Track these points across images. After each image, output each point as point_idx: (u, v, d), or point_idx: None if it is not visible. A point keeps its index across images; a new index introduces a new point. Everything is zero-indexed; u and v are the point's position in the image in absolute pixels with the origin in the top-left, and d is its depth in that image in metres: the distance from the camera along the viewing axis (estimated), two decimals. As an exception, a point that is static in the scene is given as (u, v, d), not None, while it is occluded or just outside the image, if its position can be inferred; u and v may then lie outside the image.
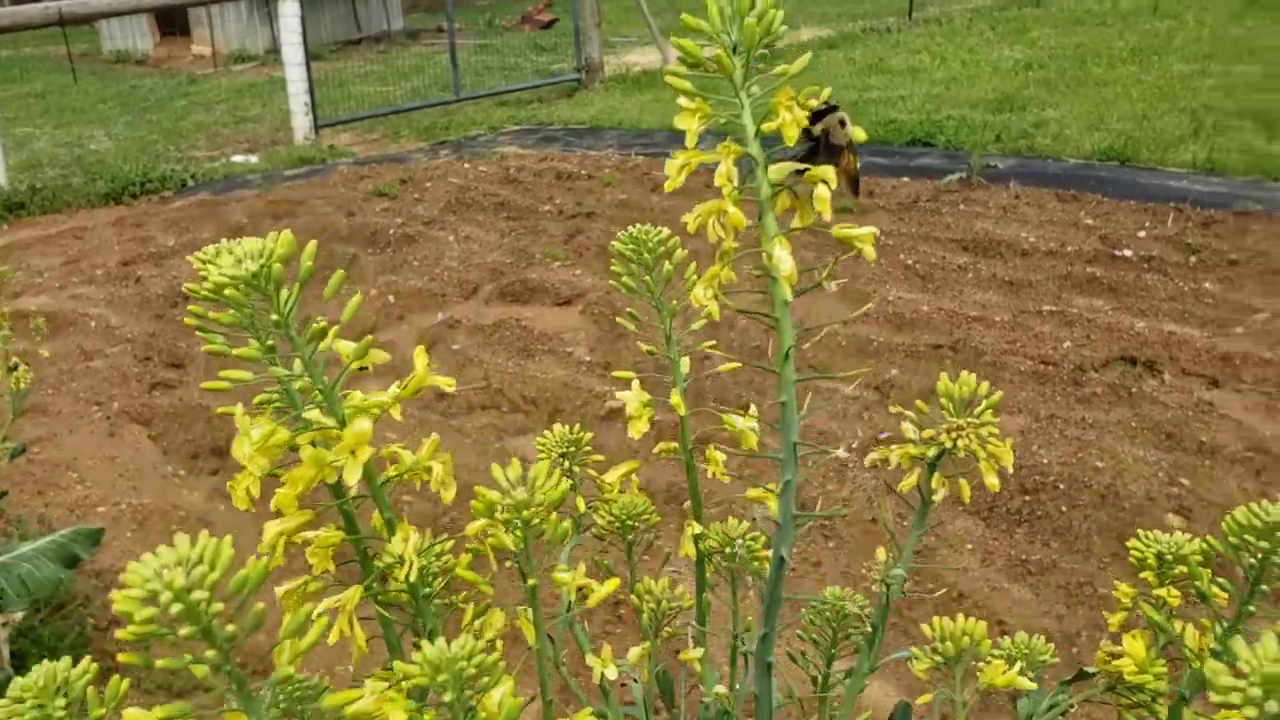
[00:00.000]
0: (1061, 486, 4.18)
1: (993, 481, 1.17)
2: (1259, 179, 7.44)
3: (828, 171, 1.03)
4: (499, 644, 1.09)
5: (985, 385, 1.18)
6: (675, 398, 1.26)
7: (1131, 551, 1.20)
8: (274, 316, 0.96)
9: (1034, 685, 1.18)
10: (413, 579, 1.06)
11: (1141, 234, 6.56)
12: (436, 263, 7.03)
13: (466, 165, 9.36)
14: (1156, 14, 14.10)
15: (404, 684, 0.90)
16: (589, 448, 1.35)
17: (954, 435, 1.15)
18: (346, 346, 1.02)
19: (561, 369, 5.49)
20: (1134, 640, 1.17)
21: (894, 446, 1.20)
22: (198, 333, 1.00)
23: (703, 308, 1.10)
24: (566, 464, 1.34)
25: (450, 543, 1.15)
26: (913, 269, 6.37)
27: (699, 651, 1.33)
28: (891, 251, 6.63)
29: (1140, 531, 1.23)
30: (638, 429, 1.24)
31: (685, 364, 1.21)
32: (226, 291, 0.95)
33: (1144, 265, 6.12)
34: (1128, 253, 6.27)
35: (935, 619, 1.20)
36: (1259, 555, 1.03)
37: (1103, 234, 6.59)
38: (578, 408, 5.06)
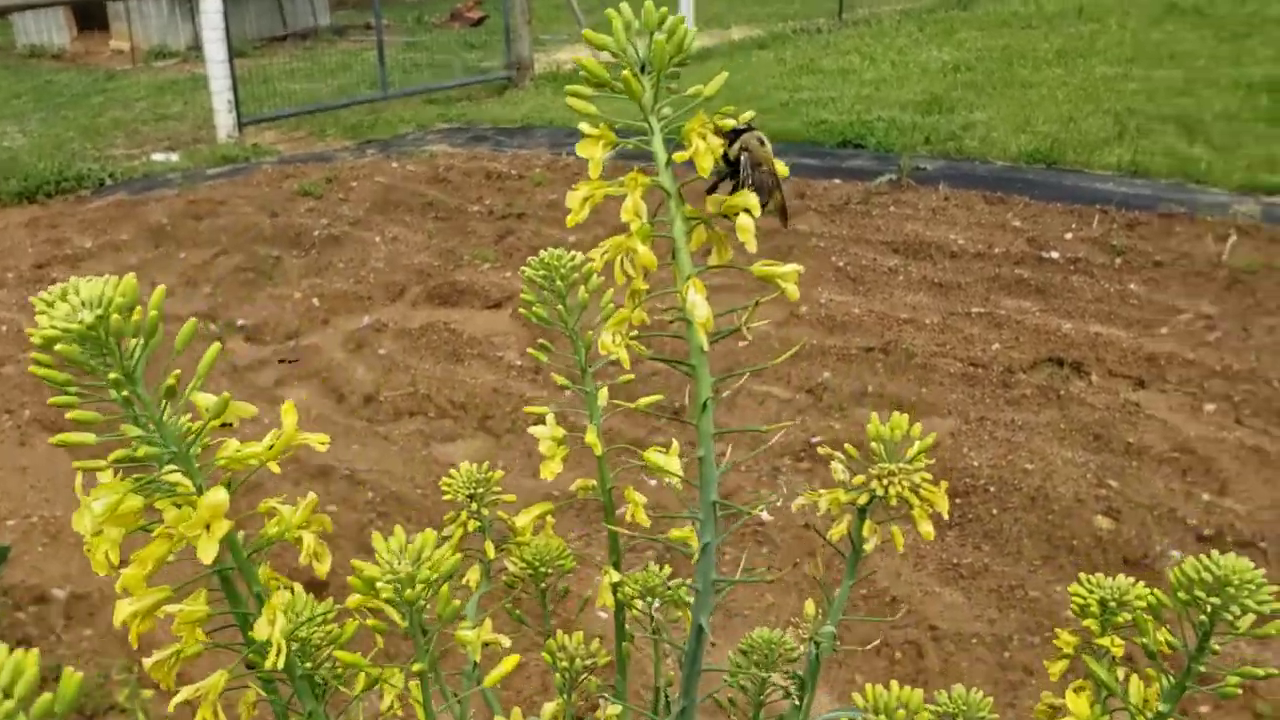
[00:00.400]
0: (992, 489, 4.19)
1: (927, 529, 1.11)
2: (1181, 182, 7.56)
3: (749, 199, 0.96)
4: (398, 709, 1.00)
5: (918, 427, 1.12)
6: (590, 436, 1.17)
7: (1073, 597, 1.15)
8: (113, 375, 0.87)
9: None
10: (280, 665, 0.95)
11: (1068, 236, 6.63)
12: (363, 264, 6.89)
13: (394, 164, 9.20)
14: (1080, 17, 14.31)
15: None
16: (499, 487, 1.26)
17: (885, 482, 1.09)
18: (206, 400, 0.91)
19: (491, 374, 5.40)
20: (1077, 697, 1.12)
21: (823, 491, 1.14)
22: (45, 384, 0.89)
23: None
24: (474, 506, 1.25)
25: (334, 611, 1.05)
26: (844, 271, 6.37)
27: (616, 709, 1.25)
28: (823, 254, 6.62)
29: (1082, 576, 1.18)
30: (550, 470, 1.15)
31: (604, 396, 1.10)
32: (58, 347, 0.85)
33: (1070, 267, 6.18)
34: (1055, 254, 6.33)
35: (868, 686, 1.14)
36: (1209, 610, 0.99)
37: (1030, 236, 6.65)
38: (508, 413, 4.98)
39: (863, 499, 1.14)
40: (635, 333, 1.01)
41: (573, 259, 1.14)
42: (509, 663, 1.09)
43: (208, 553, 0.89)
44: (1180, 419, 4.68)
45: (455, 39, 16.47)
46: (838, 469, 1.14)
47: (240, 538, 0.98)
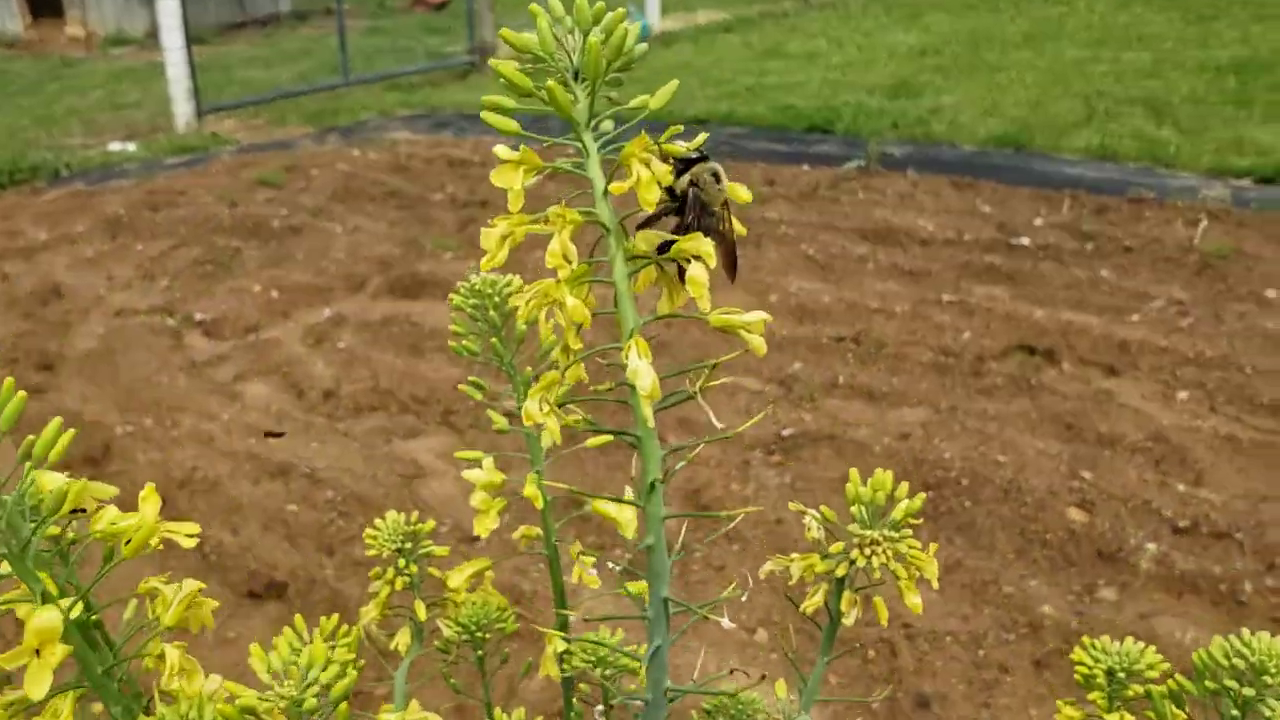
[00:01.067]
0: (965, 482, 4.12)
1: (914, 602, 0.99)
2: (1150, 165, 7.52)
3: (702, 244, 0.79)
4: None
5: (904, 487, 1.01)
6: (530, 488, 1.05)
7: (1077, 666, 1.05)
8: None
9: None
10: None
11: (1038, 221, 6.57)
12: (323, 255, 6.74)
13: (355, 152, 9.04)
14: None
15: None
16: (429, 541, 1.14)
17: (868, 552, 0.97)
18: (53, 480, 0.77)
19: (454, 367, 5.27)
20: None
21: (795, 556, 1.03)
22: None
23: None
24: (403, 563, 1.13)
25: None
26: (814, 259, 6.29)
27: None
28: (793, 241, 6.54)
29: (1085, 640, 1.07)
30: (484, 527, 1.03)
31: (548, 438, 0.95)
32: None
33: (1041, 253, 6.12)
34: (1025, 240, 6.27)
35: None
36: (1240, 702, 0.87)
37: (1000, 222, 6.58)
38: (471, 408, 4.86)
39: (841, 569, 1.01)
40: (567, 398, 0.85)
41: (508, 284, 1.02)
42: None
43: (38, 688, 0.73)
44: (1153, 407, 4.63)
45: (418, 24, 16.25)
46: (812, 527, 1.02)
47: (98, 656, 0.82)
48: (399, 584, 1.10)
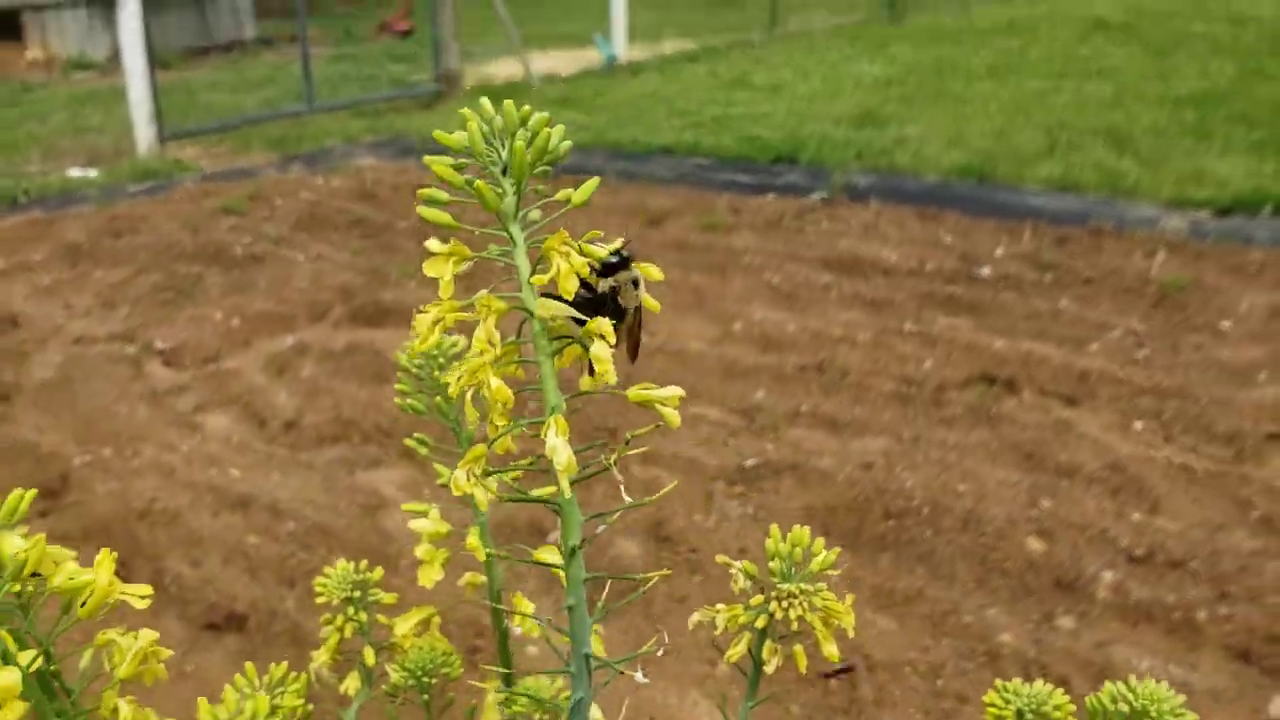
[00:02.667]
0: (925, 511, 4.14)
1: (831, 651, 1.03)
2: (1111, 196, 7.62)
3: (604, 325, 0.85)
4: None
5: (820, 541, 1.03)
6: (472, 540, 1.08)
7: (988, 710, 1.07)
8: None
9: None
10: None
11: (999, 252, 6.63)
12: (286, 284, 6.71)
13: (320, 179, 9.02)
14: (1010, 31, 14.48)
15: None
16: (378, 588, 1.16)
17: (785, 605, 1.00)
18: (12, 544, 0.79)
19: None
20: None
21: (720, 607, 1.05)
22: None
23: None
24: (352, 610, 1.14)
25: None
26: (778, 288, 6.32)
27: None
28: (757, 270, 6.57)
29: (998, 683, 1.09)
30: (429, 577, 1.06)
31: (491, 489, 0.98)
32: None
33: (1002, 284, 6.18)
34: (986, 271, 6.33)
35: None
36: None
37: (962, 252, 6.65)
38: (433, 438, 4.84)
39: (761, 621, 1.05)
40: (494, 468, 0.90)
41: (454, 345, 1.04)
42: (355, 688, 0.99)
43: None
44: (1111, 437, 4.67)
45: (383, 51, 16.26)
46: (738, 579, 1.05)
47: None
48: (349, 630, 1.12)
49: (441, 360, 1.05)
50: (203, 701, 0.83)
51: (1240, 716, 3.25)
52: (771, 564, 1.03)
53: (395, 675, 1.16)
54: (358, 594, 1.15)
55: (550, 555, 0.97)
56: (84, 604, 0.83)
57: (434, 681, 1.16)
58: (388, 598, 1.16)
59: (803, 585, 1.03)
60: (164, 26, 14.73)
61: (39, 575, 0.81)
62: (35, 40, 16.96)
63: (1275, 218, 7.02)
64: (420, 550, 1.07)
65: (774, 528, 1.04)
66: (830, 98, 11.23)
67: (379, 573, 1.17)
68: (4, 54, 17.13)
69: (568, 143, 0.86)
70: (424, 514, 1.10)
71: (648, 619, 3.71)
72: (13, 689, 0.77)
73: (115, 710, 0.85)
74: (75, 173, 9.81)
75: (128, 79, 10.11)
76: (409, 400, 1.07)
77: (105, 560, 0.85)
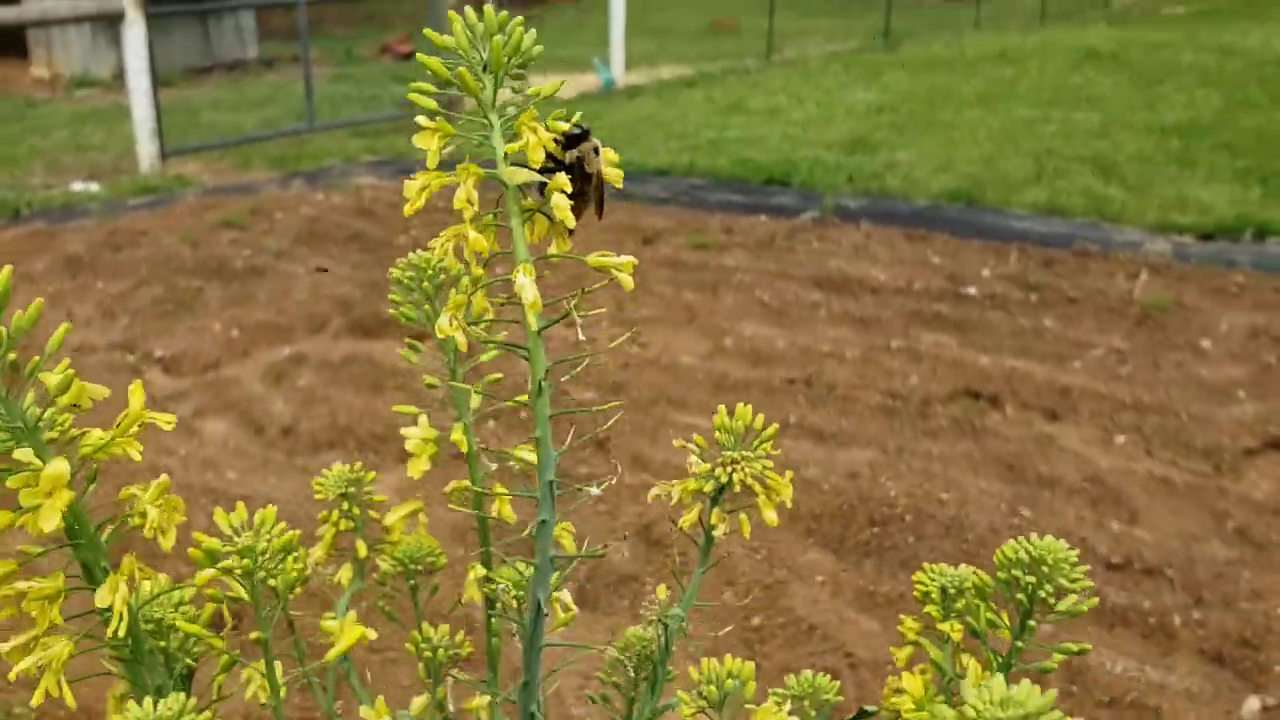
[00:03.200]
0: (909, 519, 4.24)
1: (770, 516, 1.14)
2: (1096, 221, 7.76)
3: (561, 179, 0.98)
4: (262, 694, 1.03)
5: (761, 418, 1.15)
6: (457, 433, 1.20)
7: (915, 585, 1.19)
8: None
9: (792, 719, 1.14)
10: (121, 634, 0.98)
11: (986, 272, 6.76)
12: (285, 296, 6.81)
13: (320, 196, 9.14)
14: (1002, 61, 14.68)
15: None
16: (370, 487, 1.28)
17: (729, 469, 1.11)
18: (51, 379, 0.92)
19: (412, 405, 5.35)
20: (913, 678, 1.15)
21: (675, 482, 1.17)
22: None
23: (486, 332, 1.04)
24: (346, 505, 1.26)
25: (189, 591, 1.07)
26: (768, 305, 6.43)
27: (484, 700, 1.28)
28: (748, 288, 6.69)
29: (925, 565, 1.21)
30: (417, 468, 1.19)
31: (476, 400, 1.13)
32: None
33: (988, 303, 6.30)
34: (972, 290, 6.45)
35: (704, 660, 1.16)
36: (1027, 589, 1.02)
37: (949, 272, 6.77)
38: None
39: (709, 486, 1.16)
40: (479, 319, 1.03)
41: (440, 261, 1.16)
42: (353, 633, 1.11)
43: (49, 521, 0.91)
44: (1092, 451, 4.78)
45: (385, 72, 16.44)
46: (694, 460, 1.17)
47: (97, 529, 1.01)
48: (343, 525, 1.23)
49: (430, 273, 1.17)
50: (201, 535, 0.94)
51: (1215, 717, 3.34)
52: (718, 436, 1.14)
53: (385, 565, 1.29)
54: (352, 490, 1.26)
55: (528, 455, 1.10)
56: (119, 424, 0.99)
57: (420, 569, 1.28)
58: (378, 497, 1.28)
59: (745, 453, 1.14)
60: (168, 46, 14.91)
61: (77, 407, 0.97)
62: (40, 58, 17.13)
63: (1256, 242, 7.16)
64: (410, 444, 1.19)
65: (721, 408, 1.15)
66: (824, 123, 11.39)
67: (371, 474, 1.28)
68: (9, 71, 17.31)
69: (539, 46, 0.99)
70: (414, 420, 1.22)
71: (634, 620, 3.80)
72: (62, 476, 0.91)
73: (144, 513, 1.03)
74: (78, 187, 9.93)
75: (131, 96, 10.25)
76: (403, 309, 1.19)
77: (137, 389, 1.02)
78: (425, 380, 1.22)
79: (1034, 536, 1.02)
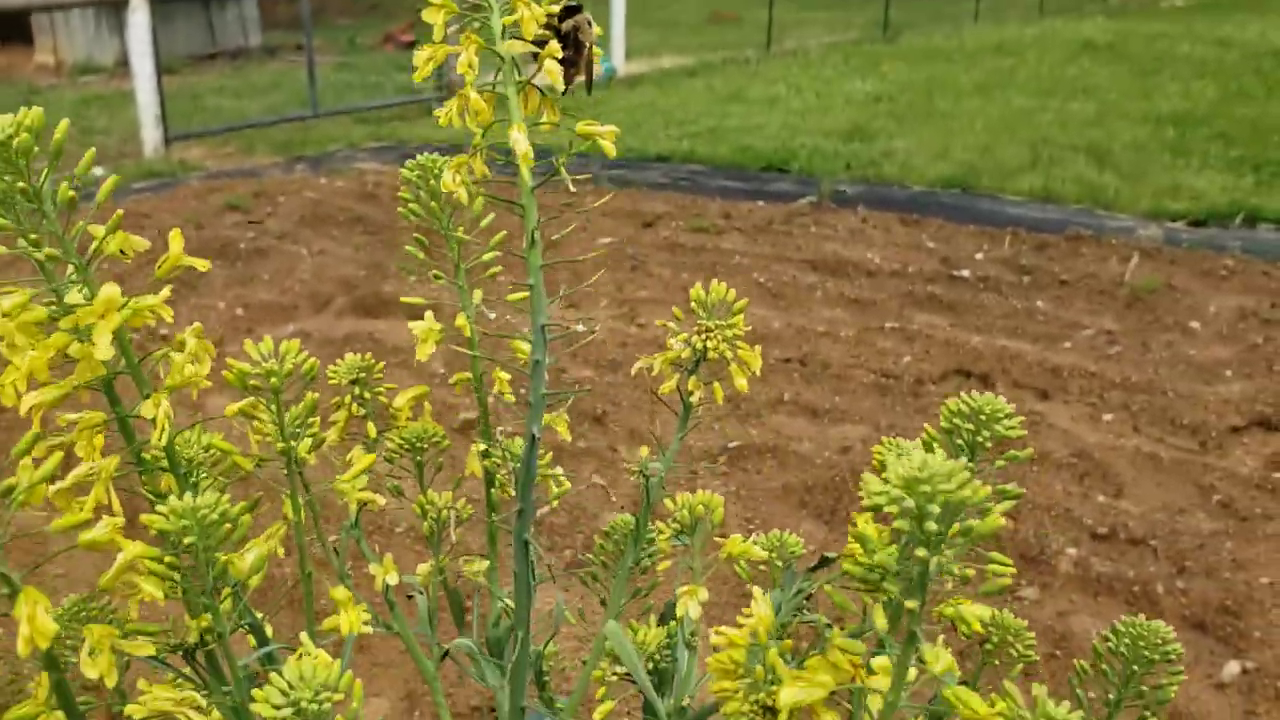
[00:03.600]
0: (900, 491, 4.32)
1: (741, 383, 1.23)
2: (1090, 207, 7.85)
3: (553, 46, 1.06)
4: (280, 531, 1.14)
5: (733, 292, 1.24)
6: (461, 319, 1.30)
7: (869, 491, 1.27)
8: (20, 185, 0.98)
9: (764, 554, 1.24)
10: (163, 443, 1.08)
11: (979, 256, 6.85)
12: (288, 276, 6.90)
13: (323, 180, 9.23)
14: (1000, 52, 14.76)
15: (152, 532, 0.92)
16: (380, 374, 1.38)
17: (704, 336, 1.20)
18: (98, 229, 1.02)
19: (413, 381, 5.44)
20: (867, 523, 1.23)
21: (656, 355, 1.27)
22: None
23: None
24: (358, 390, 1.36)
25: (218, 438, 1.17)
26: (765, 287, 6.52)
27: (484, 564, 1.37)
28: (745, 270, 6.77)
29: (884, 439, 1.30)
30: (424, 351, 1.28)
31: (478, 296, 1.24)
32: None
33: (981, 285, 6.39)
34: (965, 273, 6.54)
35: (678, 494, 1.28)
36: (967, 436, 1.11)
37: (943, 256, 6.86)
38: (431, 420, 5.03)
39: (685, 353, 1.25)
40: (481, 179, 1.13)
41: (447, 161, 1.25)
42: (365, 460, 1.20)
43: (103, 341, 1.00)
44: (1081, 428, 4.87)
45: (387, 61, 16.51)
46: (672, 328, 1.26)
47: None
48: (355, 409, 1.32)
49: (436, 173, 1.26)
50: (233, 360, 1.03)
51: (1197, 681, 3.43)
52: (694, 307, 1.23)
53: (392, 444, 1.38)
54: (363, 377, 1.36)
55: (524, 345, 1.20)
56: (160, 266, 1.11)
57: (426, 448, 1.38)
58: (388, 384, 1.38)
59: (718, 321, 1.23)
60: (171, 33, 14.98)
61: (125, 256, 1.07)
62: (45, 44, 17.20)
63: (1248, 228, 7.25)
64: (417, 330, 1.28)
65: (697, 284, 1.24)
66: (823, 112, 11.47)
67: (381, 364, 1.38)
68: (14, 57, 17.38)
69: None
70: (421, 313, 1.31)
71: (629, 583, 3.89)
72: (114, 300, 1.01)
73: (183, 343, 1.13)
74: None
75: (135, 81, 10.33)
76: (410, 205, 1.28)
77: (176, 235, 1.14)
78: (433, 275, 1.31)
79: (974, 393, 1.11)
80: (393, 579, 1.31)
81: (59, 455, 0.96)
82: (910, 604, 0.77)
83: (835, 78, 13.61)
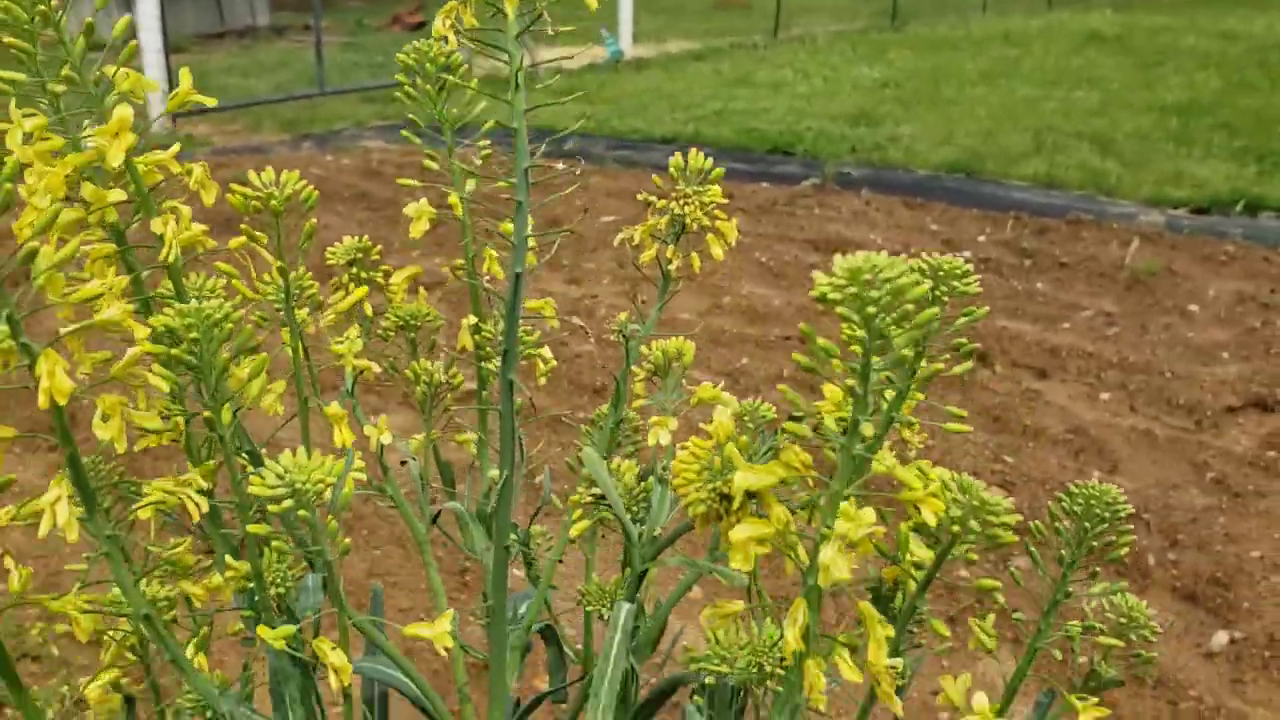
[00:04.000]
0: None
1: (718, 252, 1.28)
2: (1092, 193, 7.88)
3: None
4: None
5: (710, 160, 1.28)
6: (453, 198, 1.33)
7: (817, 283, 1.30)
8: (40, 6, 1.00)
9: (733, 400, 1.27)
10: (171, 259, 1.13)
11: (982, 238, 6.88)
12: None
13: (329, 158, 9.26)
14: (1006, 42, 14.76)
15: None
16: (377, 255, 1.42)
17: (682, 203, 1.24)
18: (114, 69, 1.08)
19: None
20: (834, 389, 1.23)
21: (637, 226, 1.30)
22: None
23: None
24: (355, 270, 1.40)
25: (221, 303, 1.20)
26: (766, 266, 6.56)
27: (474, 436, 1.41)
28: (747, 250, 6.81)
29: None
30: (418, 229, 1.31)
31: (471, 185, 1.29)
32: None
33: (982, 266, 6.42)
34: (967, 254, 6.57)
35: (654, 342, 1.35)
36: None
37: (946, 238, 6.89)
38: (431, 390, 5.07)
39: (664, 221, 1.29)
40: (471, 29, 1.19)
41: (444, 49, 1.29)
42: (360, 291, 1.31)
43: (116, 157, 1.03)
44: (1078, 406, 4.91)
45: (394, 42, 16.50)
46: (652, 199, 1.30)
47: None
48: (352, 288, 1.37)
49: (432, 55, 1.29)
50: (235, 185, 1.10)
51: (1186, 650, 3.47)
52: (672, 172, 1.27)
53: (386, 322, 1.43)
54: (360, 257, 1.40)
55: (511, 225, 1.24)
56: (171, 99, 1.15)
57: (419, 325, 1.43)
58: (385, 266, 1.42)
59: (696, 188, 1.28)
60: (180, 12, 15.00)
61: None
62: (50, 22, 17.19)
63: (1249, 216, 7.27)
64: (410, 210, 1.32)
65: (676, 154, 1.29)
66: (829, 97, 11.49)
67: (379, 247, 1.43)
68: (21, 32, 17.36)
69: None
70: (415, 195, 1.35)
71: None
72: (127, 120, 1.03)
73: (189, 170, 1.17)
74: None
75: (143, 55, 10.36)
76: (405, 89, 1.31)
77: (185, 73, 1.16)
78: (424, 163, 1.35)
79: (933, 253, 1.11)
80: (386, 439, 1.35)
81: (77, 240, 0.99)
82: (852, 382, 0.80)
83: (842, 64, 13.63)
